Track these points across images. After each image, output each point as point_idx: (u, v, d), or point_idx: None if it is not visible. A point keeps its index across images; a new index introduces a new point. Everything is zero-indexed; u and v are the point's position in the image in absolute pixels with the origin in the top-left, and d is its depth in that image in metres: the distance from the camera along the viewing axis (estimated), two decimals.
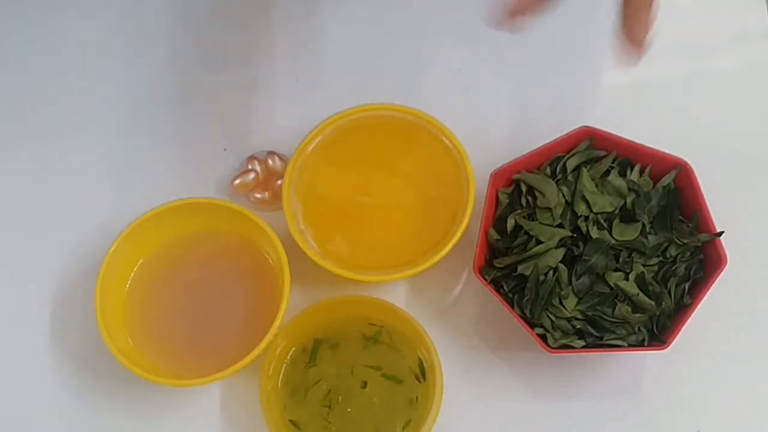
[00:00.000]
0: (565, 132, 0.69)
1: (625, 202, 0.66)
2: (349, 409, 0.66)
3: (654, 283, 0.64)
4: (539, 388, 0.69)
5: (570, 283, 0.64)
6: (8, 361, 0.72)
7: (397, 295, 0.71)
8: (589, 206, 0.66)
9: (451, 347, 0.69)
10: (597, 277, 0.64)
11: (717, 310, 0.67)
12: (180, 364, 0.68)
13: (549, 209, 0.66)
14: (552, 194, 0.66)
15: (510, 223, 0.67)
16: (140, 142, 0.78)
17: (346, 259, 0.69)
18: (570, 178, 0.67)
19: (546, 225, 0.66)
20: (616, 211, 0.66)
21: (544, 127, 0.71)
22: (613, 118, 0.71)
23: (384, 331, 0.68)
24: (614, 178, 0.67)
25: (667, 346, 0.63)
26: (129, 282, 0.70)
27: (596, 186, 0.67)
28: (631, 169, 0.68)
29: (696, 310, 0.63)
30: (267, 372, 0.67)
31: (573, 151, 0.69)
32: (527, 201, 0.68)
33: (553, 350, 0.64)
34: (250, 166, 0.75)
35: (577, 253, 0.64)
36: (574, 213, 0.66)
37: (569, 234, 0.65)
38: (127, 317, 0.69)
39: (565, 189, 0.67)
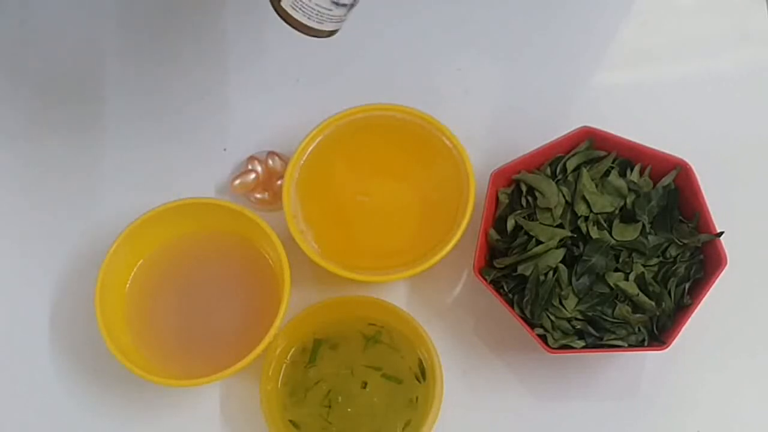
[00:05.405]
0: (565, 132, 0.69)
1: (625, 203, 0.66)
2: (349, 410, 0.66)
3: (654, 283, 0.64)
4: (539, 389, 0.69)
5: (570, 283, 0.64)
6: (9, 361, 0.72)
7: (397, 295, 0.71)
8: (589, 206, 0.66)
9: (451, 347, 0.69)
10: (597, 277, 0.64)
11: (717, 310, 0.67)
12: (180, 364, 0.68)
13: (549, 209, 0.66)
14: (552, 194, 0.66)
15: (510, 223, 0.67)
16: (140, 142, 0.78)
17: (346, 259, 0.69)
18: (570, 178, 0.67)
19: (546, 225, 0.66)
20: (616, 212, 0.66)
21: (544, 127, 0.71)
22: (613, 118, 0.71)
23: (384, 331, 0.68)
24: (614, 178, 0.67)
25: (667, 346, 0.63)
26: (129, 282, 0.70)
27: (596, 186, 0.67)
28: (631, 170, 0.68)
29: (696, 311, 0.63)
30: (267, 372, 0.67)
31: (573, 152, 0.69)
32: (527, 201, 0.68)
33: (553, 350, 0.64)
34: (250, 166, 0.75)
35: (577, 254, 0.64)
36: (574, 213, 0.66)
37: (569, 234, 0.65)
38: (127, 317, 0.69)
39: (565, 189, 0.67)
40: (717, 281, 0.64)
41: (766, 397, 0.68)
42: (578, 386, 0.69)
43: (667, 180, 0.68)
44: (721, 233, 0.65)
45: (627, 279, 0.64)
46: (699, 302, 0.64)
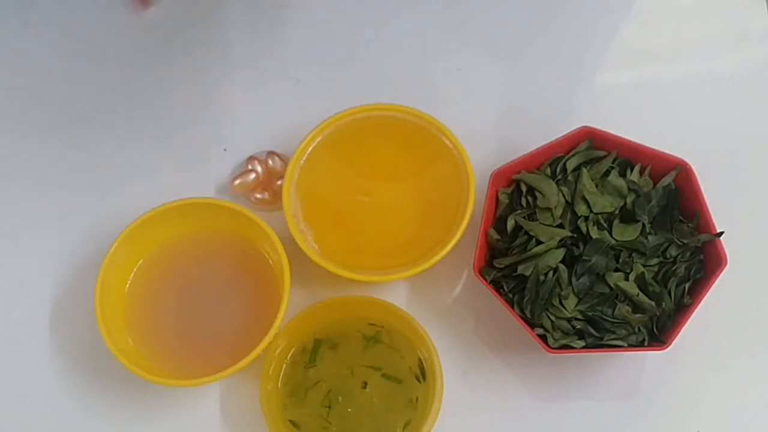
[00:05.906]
0: (565, 132, 0.69)
1: (625, 203, 0.66)
2: (349, 410, 0.66)
3: (654, 283, 0.64)
4: (539, 389, 0.69)
5: (570, 283, 0.64)
6: (8, 361, 0.72)
7: (397, 295, 0.71)
8: (589, 206, 0.66)
9: (451, 347, 0.69)
10: (597, 277, 0.64)
11: (717, 310, 0.67)
12: (180, 364, 0.68)
13: (549, 209, 0.66)
14: (552, 194, 0.66)
15: (510, 223, 0.67)
16: (140, 142, 0.78)
17: (346, 259, 0.69)
18: (570, 178, 0.67)
19: (546, 225, 0.66)
20: (616, 212, 0.66)
21: (544, 127, 0.71)
22: (613, 118, 0.71)
23: (384, 331, 0.68)
24: (614, 178, 0.67)
25: (667, 346, 0.63)
26: (129, 282, 0.70)
27: (596, 186, 0.67)
28: (631, 170, 0.68)
29: (696, 311, 0.63)
30: (267, 372, 0.67)
31: (573, 152, 0.69)
32: (527, 201, 0.68)
33: (553, 350, 0.64)
34: (250, 166, 0.75)
35: (577, 254, 0.64)
36: (574, 213, 0.66)
37: (569, 234, 0.65)
38: (127, 317, 0.69)
39: (565, 189, 0.67)
40: (717, 281, 0.64)
41: (766, 397, 0.68)
42: (578, 386, 0.69)
43: (667, 180, 0.68)
44: (721, 233, 0.65)
45: (627, 279, 0.64)
46: (699, 302, 0.64)
